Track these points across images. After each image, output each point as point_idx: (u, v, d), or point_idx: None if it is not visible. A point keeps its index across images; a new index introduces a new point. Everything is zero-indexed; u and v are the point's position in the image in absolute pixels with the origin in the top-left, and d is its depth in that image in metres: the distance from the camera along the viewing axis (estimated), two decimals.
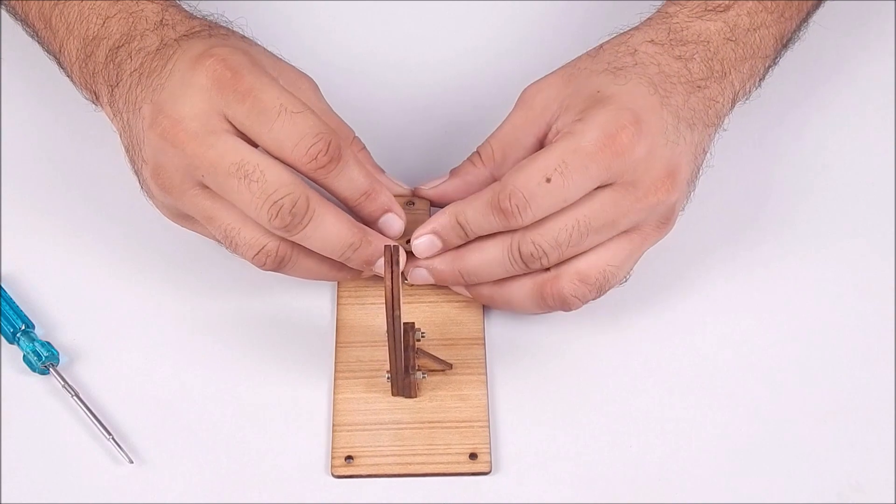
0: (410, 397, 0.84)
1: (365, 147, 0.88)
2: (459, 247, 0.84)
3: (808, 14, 0.93)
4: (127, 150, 0.86)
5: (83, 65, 0.87)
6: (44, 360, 0.85)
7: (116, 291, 0.89)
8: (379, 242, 0.83)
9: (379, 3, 1.03)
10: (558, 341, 0.87)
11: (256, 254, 0.82)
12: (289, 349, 0.87)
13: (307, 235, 0.81)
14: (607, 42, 0.87)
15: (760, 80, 0.90)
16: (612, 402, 0.85)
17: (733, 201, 0.94)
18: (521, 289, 0.84)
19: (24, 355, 0.85)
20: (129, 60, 0.85)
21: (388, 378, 0.83)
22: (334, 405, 0.84)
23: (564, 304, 0.83)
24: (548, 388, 0.86)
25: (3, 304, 0.86)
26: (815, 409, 0.85)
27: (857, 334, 0.88)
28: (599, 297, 0.84)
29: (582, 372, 0.86)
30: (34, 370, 0.85)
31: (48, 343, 0.85)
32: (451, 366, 0.85)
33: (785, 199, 0.94)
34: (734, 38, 0.87)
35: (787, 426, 0.84)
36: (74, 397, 0.83)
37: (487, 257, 0.83)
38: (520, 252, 0.82)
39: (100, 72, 0.86)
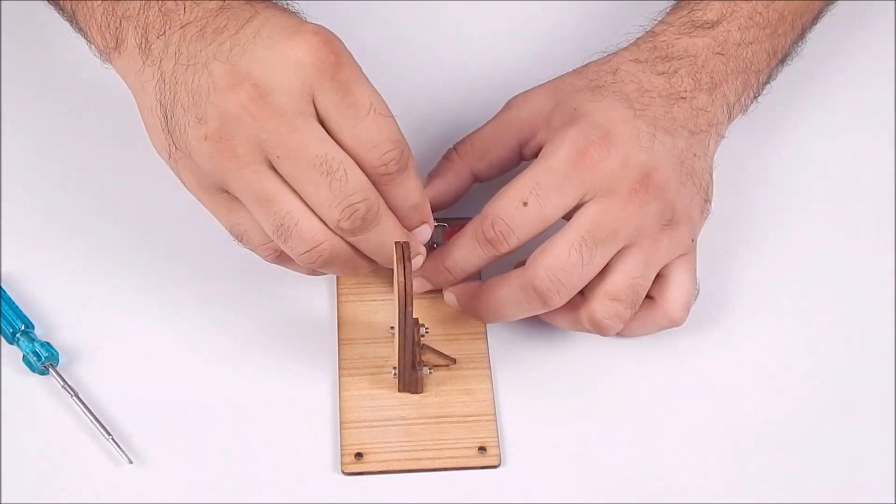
0: (417, 393, 0.84)
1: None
2: (479, 289, 0.85)
3: (804, 30, 0.94)
4: (160, 105, 0.80)
5: (110, 6, 0.83)
6: (43, 360, 0.85)
7: (116, 291, 0.89)
8: (418, 247, 0.83)
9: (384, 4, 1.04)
10: (560, 334, 0.87)
11: (308, 251, 0.79)
12: (289, 347, 0.87)
13: (366, 239, 0.80)
14: (592, 62, 0.88)
15: (756, 94, 0.91)
16: (615, 395, 0.85)
17: (732, 201, 0.94)
18: (557, 321, 0.85)
19: (23, 355, 0.85)
20: (180, 11, 0.80)
21: (394, 374, 0.84)
22: (340, 402, 0.84)
23: (600, 328, 0.83)
24: (551, 380, 0.86)
25: (3, 304, 0.86)
26: (815, 409, 0.85)
27: (856, 334, 0.88)
28: (634, 311, 0.83)
29: (585, 363, 0.87)
30: (34, 370, 0.85)
31: (48, 343, 0.85)
32: (455, 360, 0.85)
33: (784, 200, 0.94)
34: (723, 53, 0.88)
35: (787, 426, 0.84)
36: (74, 397, 0.83)
37: (506, 305, 0.83)
38: (536, 291, 0.81)
39: (133, 15, 0.82)
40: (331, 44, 0.77)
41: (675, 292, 0.84)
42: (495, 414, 0.83)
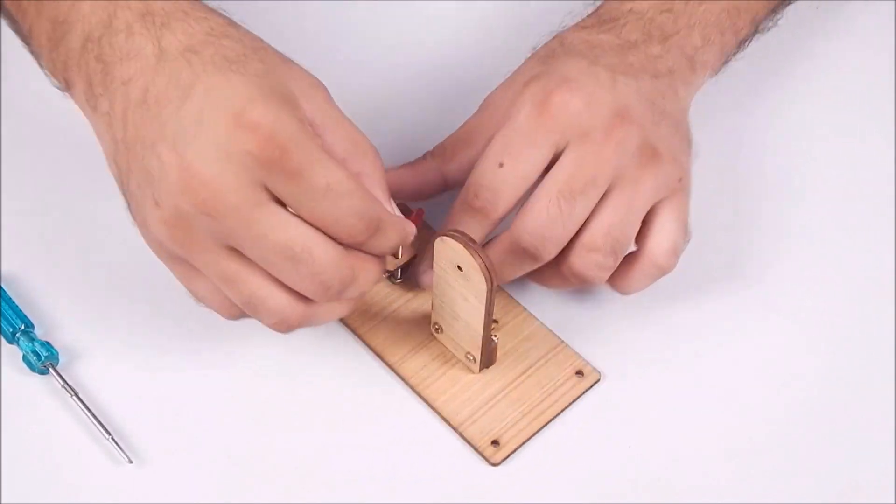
0: (493, 363, 0.85)
1: (382, 162, 0.82)
2: None
3: None
4: (115, 165, 0.80)
5: (54, 48, 0.81)
6: (43, 359, 0.85)
7: (116, 291, 0.89)
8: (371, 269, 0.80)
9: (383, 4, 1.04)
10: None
11: (277, 322, 0.79)
12: (289, 346, 0.87)
13: (348, 294, 0.79)
14: (542, 44, 0.88)
15: (727, 54, 0.90)
16: (618, 391, 0.86)
17: (731, 202, 0.94)
18: (551, 276, 0.85)
19: (23, 355, 0.85)
20: (119, 64, 0.78)
21: (470, 358, 0.84)
22: (440, 412, 0.84)
23: (585, 280, 0.83)
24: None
25: (3, 304, 0.86)
26: (815, 409, 0.85)
27: (856, 333, 0.88)
28: (618, 259, 0.83)
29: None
30: (34, 370, 0.85)
31: (48, 343, 0.85)
32: (496, 320, 0.86)
33: (784, 200, 0.94)
34: (671, 10, 0.87)
35: (787, 426, 0.84)
36: (74, 397, 0.83)
37: (500, 268, 0.83)
38: (523, 249, 0.81)
39: (74, 61, 0.80)
40: (273, 136, 0.74)
41: (659, 236, 0.83)
42: (562, 341, 0.85)
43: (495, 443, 0.83)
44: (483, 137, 0.85)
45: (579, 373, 0.85)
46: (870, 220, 0.93)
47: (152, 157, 0.76)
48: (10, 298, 0.87)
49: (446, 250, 0.80)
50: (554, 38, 0.88)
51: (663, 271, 0.84)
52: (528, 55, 0.88)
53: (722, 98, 0.99)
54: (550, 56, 0.86)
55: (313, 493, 0.82)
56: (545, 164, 0.81)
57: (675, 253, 0.84)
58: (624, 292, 0.86)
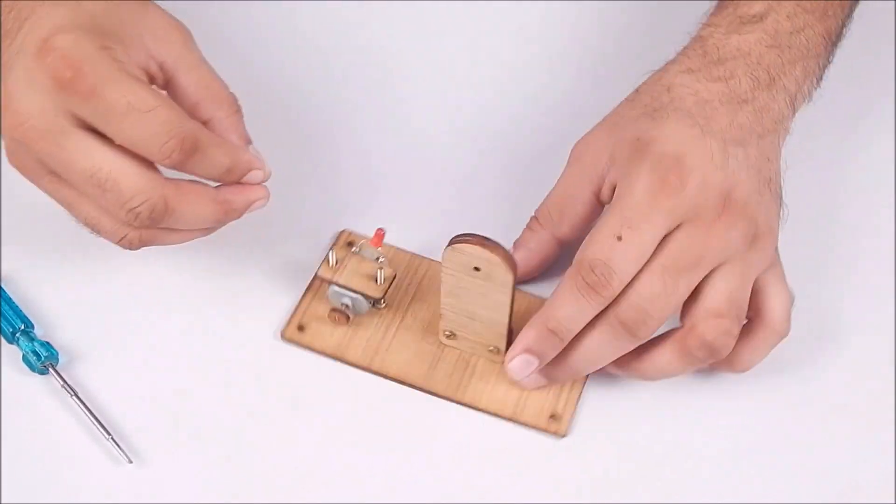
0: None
1: (240, 110, 0.83)
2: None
3: (851, 9, 0.91)
4: None
5: None
6: (43, 359, 0.85)
7: (116, 291, 0.89)
8: (243, 198, 0.81)
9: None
10: None
11: (119, 240, 0.81)
12: (289, 347, 0.87)
13: (170, 224, 0.80)
14: (644, 84, 0.86)
15: (818, 79, 0.88)
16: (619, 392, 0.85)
17: None
18: (663, 357, 0.82)
19: (23, 355, 0.85)
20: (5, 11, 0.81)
21: (494, 351, 0.85)
22: (488, 409, 0.84)
23: (714, 350, 0.81)
24: None
25: (3, 304, 0.86)
26: (815, 409, 0.85)
27: (856, 333, 0.88)
28: (739, 326, 0.81)
29: None
30: (33, 370, 0.85)
31: (47, 343, 0.85)
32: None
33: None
34: (777, 45, 0.85)
35: (787, 425, 0.84)
36: (74, 397, 0.83)
37: (593, 347, 0.81)
38: (622, 324, 0.80)
39: None
40: (67, 58, 0.76)
41: (773, 302, 0.83)
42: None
43: (553, 416, 0.84)
44: (586, 190, 0.84)
45: None
46: (867, 219, 0.93)
47: None
48: (10, 298, 0.87)
49: (458, 257, 0.80)
50: (658, 80, 0.85)
51: (782, 337, 0.83)
52: (629, 95, 0.86)
53: None
54: (659, 111, 0.83)
55: (313, 493, 0.82)
56: (658, 241, 0.80)
57: (786, 314, 0.83)
58: (744, 368, 0.84)
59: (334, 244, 0.90)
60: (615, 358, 0.82)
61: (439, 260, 0.82)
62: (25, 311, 0.87)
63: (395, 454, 0.83)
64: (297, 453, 0.83)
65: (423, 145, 0.96)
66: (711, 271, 0.80)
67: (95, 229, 0.81)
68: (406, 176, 0.94)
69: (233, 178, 0.81)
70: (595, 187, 0.84)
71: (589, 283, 0.79)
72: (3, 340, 0.86)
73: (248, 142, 0.82)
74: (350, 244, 0.89)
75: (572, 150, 0.86)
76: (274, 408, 0.85)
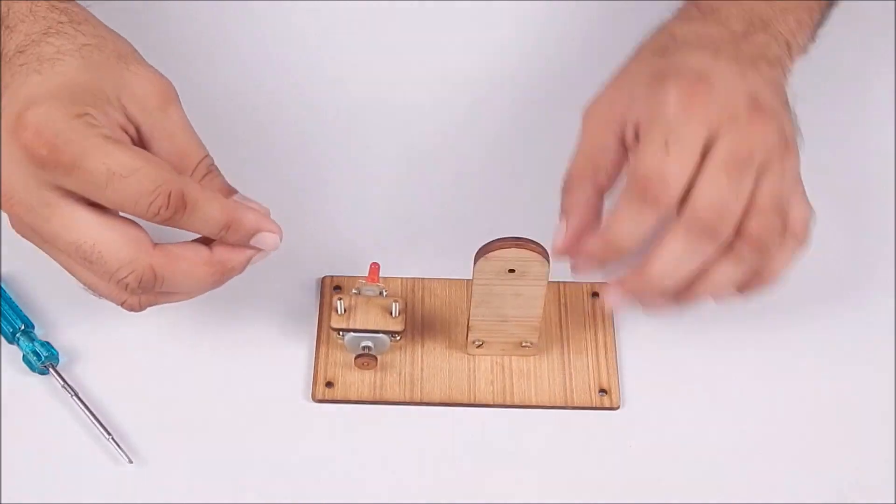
0: None
1: (214, 168, 0.81)
2: (639, 267, 0.81)
3: None
4: None
5: None
6: (43, 359, 0.85)
7: None
8: (240, 258, 0.80)
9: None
10: None
11: (121, 304, 0.80)
12: (289, 348, 0.87)
13: (164, 289, 0.79)
14: (645, 40, 0.87)
15: (813, 34, 0.90)
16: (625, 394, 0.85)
17: None
18: (720, 268, 0.81)
19: (23, 355, 0.85)
20: None
21: (527, 345, 0.86)
22: (542, 404, 0.85)
23: (762, 248, 0.80)
24: None
25: (3, 304, 0.86)
26: (815, 409, 0.85)
27: (856, 333, 0.88)
28: (784, 224, 0.81)
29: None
30: (34, 370, 0.85)
31: (48, 343, 0.85)
32: None
33: None
34: None
35: (787, 425, 0.84)
36: (74, 397, 0.83)
37: (674, 257, 0.80)
38: (699, 226, 0.78)
39: None
40: (40, 134, 0.75)
41: (796, 211, 0.82)
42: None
43: (602, 391, 0.85)
44: (612, 138, 0.83)
45: (595, 294, 0.89)
46: (871, 221, 0.93)
47: None
48: (10, 298, 0.87)
49: (492, 265, 0.81)
50: (661, 31, 0.86)
51: (801, 243, 0.83)
52: (631, 54, 0.86)
53: None
54: (666, 50, 0.84)
55: (314, 493, 0.82)
56: (703, 146, 0.79)
57: (808, 224, 0.83)
58: (773, 277, 0.83)
59: (321, 292, 0.89)
60: (698, 265, 0.80)
61: (429, 277, 0.84)
62: (25, 311, 0.87)
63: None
64: (297, 453, 0.83)
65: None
66: (756, 178, 0.80)
67: (96, 293, 0.80)
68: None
69: (235, 238, 0.80)
70: (617, 135, 0.83)
71: (644, 196, 0.79)
72: (3, 340, 0.86)
73: (232, 192, 0.81)
74: (337, 287, 0.89)
75: (584, 112, 0.85)
76: (274, 407, 0.85)
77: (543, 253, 0.80)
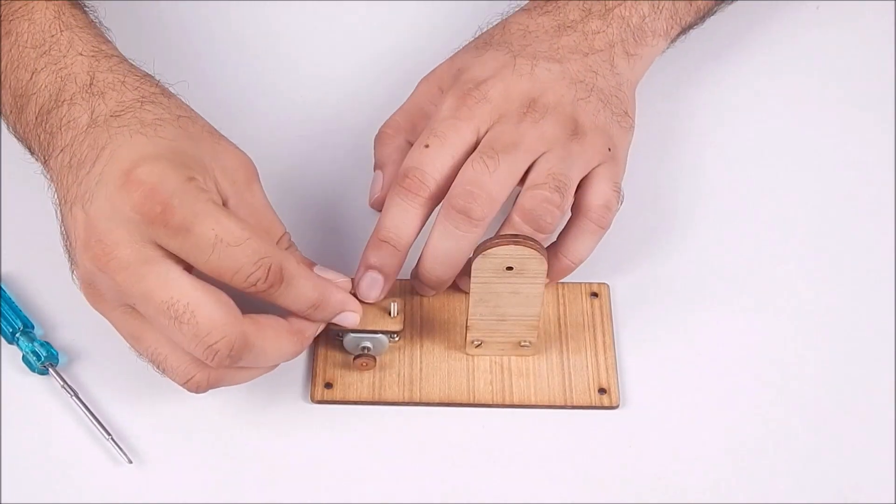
0: None
1: (293, 243, 0.83)
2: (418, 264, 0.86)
3: None
4: (61, 223, 0.81)
5: (17, 119, 0.85)
6: (43, 360, 0.85)
7: None
8: (313, 331, 0.82)
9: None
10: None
11: (184, 383, 0.80)
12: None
13: (247, 362, 0.79)
14: (490, 26, 0.92)
15: (681, 19, 0.93)
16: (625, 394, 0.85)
17: (729, 199, 0.94)
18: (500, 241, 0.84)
19: (23, 355, 0.85)
20: (59, 132, 0.81)
21: (525, 344, 0.86)
22: (540, 403, 0.85)
23: (536, 219, 0.84)
24: None
25: (3, 304, 0.86)
26: (815, 409, 0.85)
27: (856, 333, 0.88)
28: (563, 198, 0.84)
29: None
30: (33, 370, 0.85)
31: (47, 343, 0.85)
32: None
33: (782, 198, 0.94)
34: None
35: (787, 426, 0.84)
36: (74, 397, 0.84)
37: (436, 241, 0.84)
38: (454, 207, 0.83)
39: (31, 132, 0.84)
40: (154, 192, 0.76)
41: (591, 194, 0.86)
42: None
43: (602, 390, 0.85)
44: (431, 106, 0.90)
45: (594, 294, 0.89)
46: (870, 219, 0.93)
47: (69, 217, 0.79)
48: (10, 298, 0.87)
49: (490, 262, 0.81)
50: (500, 23, 0.92)
51: (600, 227, 0.86)
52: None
53: (721, 98, 0.99)
54: (487, 44, 0.90)
55: (314, 494, 0.82)
56: (468, 146, 0.85)
57: (609, 209, 0.86)
58: (570, 254, 0.87)
59: None
60: (461, 249, 0.84)
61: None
62: (25, 311, 0.87)
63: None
64: (296, 454, 0.83)
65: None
66: (536, 160, 0.85)
67: (161, 367, 0.79)
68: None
69: (320, 316, 0.81)
70: (436, 105, 0.89)
71: (405, 187, 0.84)
72: (3, 340, 0.86)
73: (312, 265, 0.83)
74: None
75: (417, 85, 0.92)
76: (273, 409, 0.85)
77: (541, 250, 0.81)
